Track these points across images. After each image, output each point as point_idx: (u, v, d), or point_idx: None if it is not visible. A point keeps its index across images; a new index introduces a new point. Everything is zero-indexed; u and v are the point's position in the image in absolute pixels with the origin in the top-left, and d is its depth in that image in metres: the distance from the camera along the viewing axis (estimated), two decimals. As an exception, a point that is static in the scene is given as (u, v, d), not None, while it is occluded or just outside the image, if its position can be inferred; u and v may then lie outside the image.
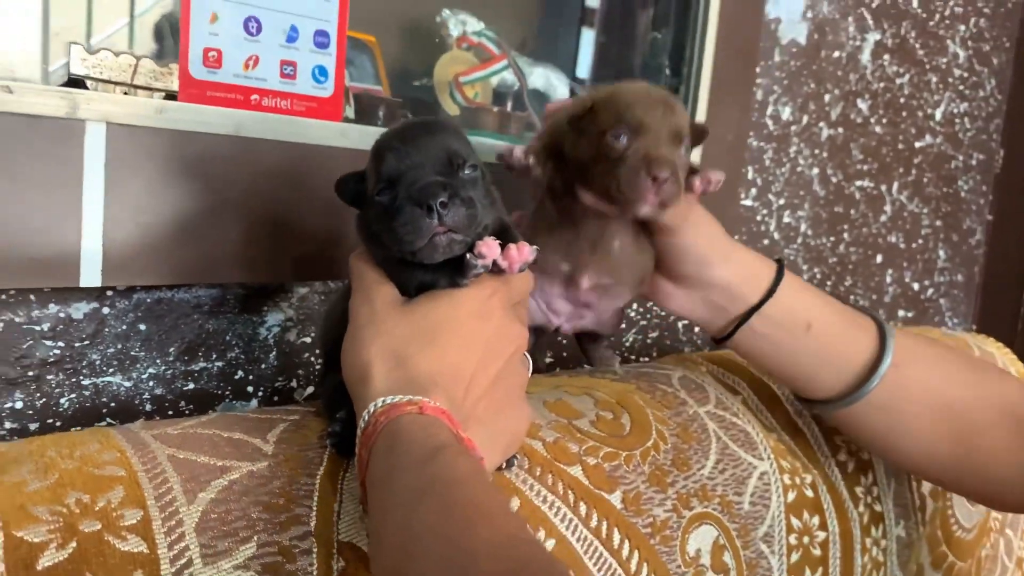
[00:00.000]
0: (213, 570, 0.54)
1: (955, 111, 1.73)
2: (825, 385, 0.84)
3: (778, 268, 0.82)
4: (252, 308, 0.86)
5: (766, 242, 1.40)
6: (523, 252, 0.62)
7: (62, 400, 0.77)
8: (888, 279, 1.69)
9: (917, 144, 1.66)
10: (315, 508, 0.59)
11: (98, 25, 0.78)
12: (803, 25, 1.36)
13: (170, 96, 0.76)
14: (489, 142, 1.01)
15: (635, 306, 1.24)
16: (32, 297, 0.74)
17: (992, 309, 1.89)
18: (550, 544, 0.67)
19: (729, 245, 0.82)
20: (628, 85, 0.75)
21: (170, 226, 0.75)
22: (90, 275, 0.72)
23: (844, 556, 0.91)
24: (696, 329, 1.35)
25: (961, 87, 1.73)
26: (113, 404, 0.79)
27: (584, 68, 1.22)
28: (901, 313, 1.75)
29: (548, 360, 1.13)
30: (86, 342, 0.77)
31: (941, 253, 1.80)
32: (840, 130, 1.48)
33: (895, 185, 1.64)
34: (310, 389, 0.91)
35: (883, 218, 1.63)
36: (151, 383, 0.81)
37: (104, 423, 0.79)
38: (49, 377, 0.76)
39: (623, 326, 1.22)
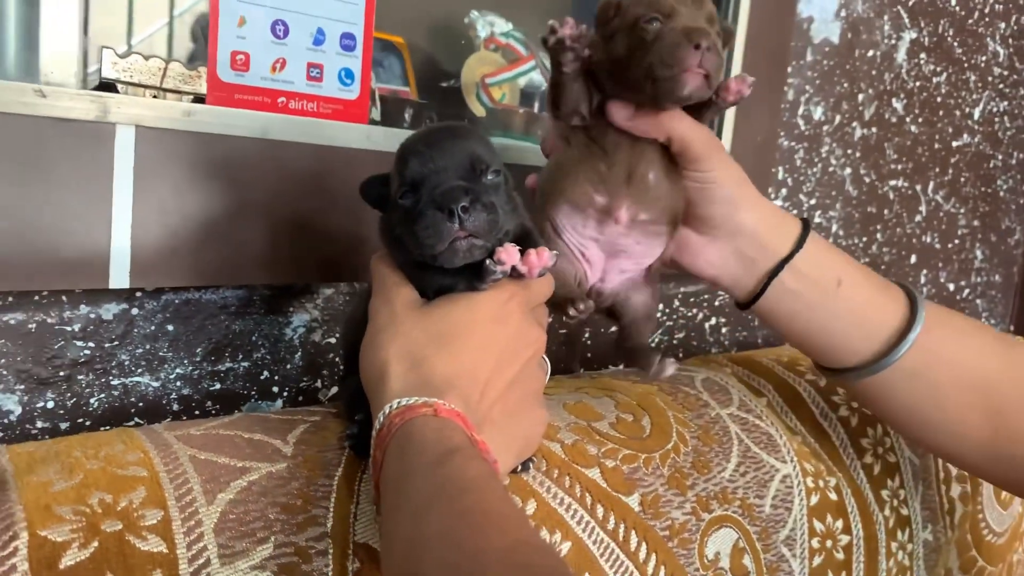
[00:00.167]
0: (230, 570, 0.55)
1: (994, 110, 1.71)
2: (855, 348, 0.81)
3: (804, 222, 0.80)
4: (278, 309, 0.87)
5: (797, 242, 1.39)
6: (543, 257, 0.62)
7: (92, 400, 0.78)
8: (923, 279, 1.67)
9: (954, 143, 1.64)
10: (332, 509, 0.60)
11: (130, 29, 0.79)
12: (836, 24, 1.35)
13: (198, 99, 0.77)
14: (514, 143, 1.01)
15: (661, 306, 1.24)
16: (64, 298, 0.75)
17: (1031, 310, 1.87)
18: (566, 546, 0.67)
19: (755, 192, 0.80)
20: None
21: (197, 228, 0.76)
22: (119, 277, 0.73)
23: (868, 560, 0.91)
24: (723, 329, 1.34)
25: (1001, 85, 1.71)
26: (141, 404, 0.81)
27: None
28: (936, 314, 1.72)
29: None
30: (116, 343, 0.79)
31: (978, 253, 1.77)
32: (874, 130, 1.47)
33: (931, 185, 1.62)
34: (334, 389, 0.92)
35: (918, 218, 1.61)
36: (178, 383, 0.82)
37: (132, 423, 0.80)
38: (80, 377, 0.77)
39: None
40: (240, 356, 0.85)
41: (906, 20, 1.46)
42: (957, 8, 1.55)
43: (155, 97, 0.75)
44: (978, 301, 1.82)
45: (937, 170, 1.62)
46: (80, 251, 0.71)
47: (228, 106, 0.77)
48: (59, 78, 0.70)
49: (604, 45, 0.73)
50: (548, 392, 0.68)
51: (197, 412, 0.84)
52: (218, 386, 0.85)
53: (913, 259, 1.63)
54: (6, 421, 0.74)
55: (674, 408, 0.85)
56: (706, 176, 0.76)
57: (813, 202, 1.40)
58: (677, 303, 1.26)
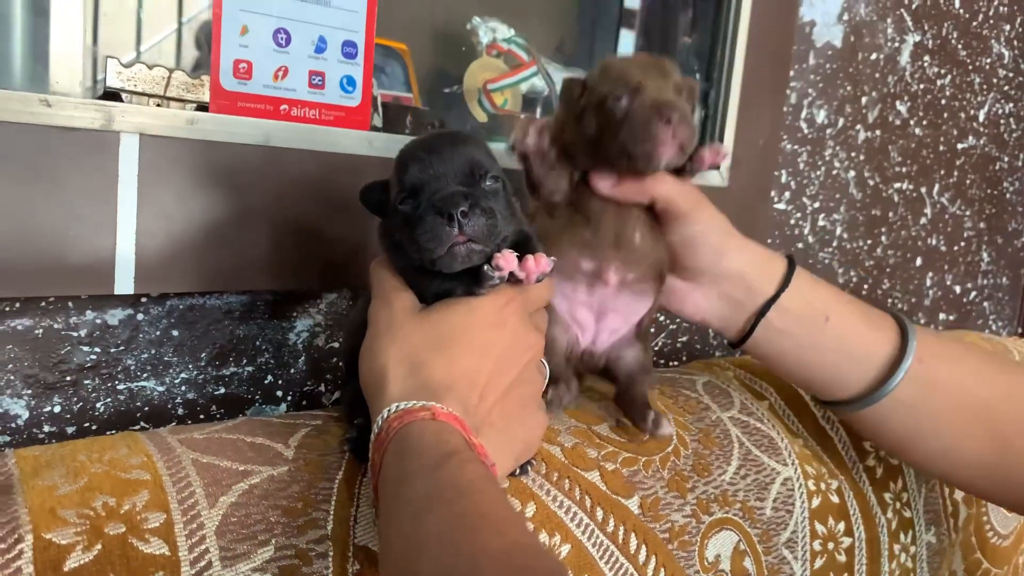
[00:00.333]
0: (231, 572, 0.56)
1: (1000, 112, 1.71)
2: (848, 382, 0.82)
3: (789, 261, 0.82)
4: (281, 314, 0.88)
5: (800, 245, 1.40)
6: (540, 263, 0.63)
7: (98, 404, 0.79)
8: (928, 282, 1.67)
9: (959, 146, 1.64)
10: (332, 512, 0.61)
11: (139, 38, 0.80)
12: (839, 28, 1.35)
13: (202, 107, 0.78)
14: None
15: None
16: (70, 304, 0.76)
17: (1037, 312, 1.86)
18: (566, 549, 0.68)
19: (739, 237, 0.81)
20: (615, 57, 0.74)
21: (201, 235, 0.77)
22: (124, 283, 0.74)
23: (870, 562, 0.91)
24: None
25: (1006, 87, 1.71)
26: (147, 408, 0.82)
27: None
28: (942, 316, 1.73)
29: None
30: (121, 348, 0.80)
31: (985, 255, 1.77)
32: (878, 132, 1.47)
33: (936, 187, 1.62)
34: (338, 393, 0.93)
35: (923, 220, 1.61)
36: (183, 388, 0.83)
37: (138, 427, 0.81)
38: (86, 382, 0.78)
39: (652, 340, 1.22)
40: (244, 361, 0.86)
41: (909, 23, 1.47)
42: (961, 11, 1.55)
43: (159, 106, 0.76)
44: (985, 304, 1.82)
45: (942, 172, 1.62)
46: (85, 257, 0.72)
47: (231, 114, 0.78)
48: (64, 87, 0.71)
49: (575, 124, 0.74)
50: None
51: (202, 416, 0.85)
52: (223, 391, 0.85)
53: (919, 262, 1.63)
54: (13, 426, 0.75)
55: (675, 411, 0.86)
56: (691, 230, 0.77)
57: (817, 205, 1.41)
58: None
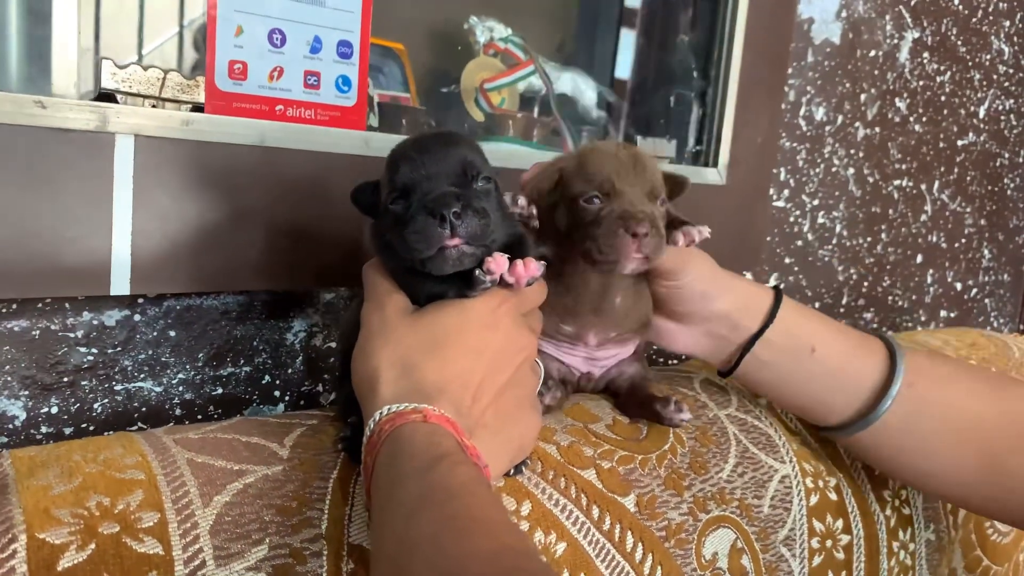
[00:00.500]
0: (225, 572, 0.56)
1: (1000, 108, 1.71)
2: (838, 409, 0.83)
3: (776, 295, 0.83)
4: (279, 314, 0.88)
5: (799, 243, 1.40)
6: (530, 268, 0.63)
7: (95, 405, 0.79)
8: (929, 279, 1.67)
9: (959, 142, 1.64)
10: (327, 511, 0.61)
11: (141, 40, 0.81)
12: (837, 25, 1.35)
13: (197, 108, 0.78)
14: (512, 147, 1.02)
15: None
16: (67, 305, 0.77)
17: (1039, 309, 1.86)
18: (561, 547, 0.68)
19: (728, 278, 0.82)
20: (594, 148, 0.74)
21: (197, 235, 0.77)
22: (120, 284, 0.74)
23: (869, 560, 0.91)
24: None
25: (1007, 83, 1.71)
26: (144, 409, 0.82)
27: (624, 69, 1.23)
28: (943, 313, 1.72)
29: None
30: (118, 348, 0.80)
31: (986, 252, 1.77)
32: (877, 129, 1.47)
33: (936, 184, 1.62)
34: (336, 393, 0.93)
35: (923, 217, 1.61)
36: (181, 388, 0.83)
37: (136, 428, 0.81)
38: (83, 383, 0.78)
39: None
40: (242, 361, 0.86)
41: (908, 20, 1.46)
42: (960, 7, 1.55)
43: (154, 107, 0.76)
44: (986, 301, 1.81)
45: (942, 169, 1.62)
46: (81, 259, 0.72)
47: (226, 114, 0.78)
48: (60, 89, 0.71)
49: (549, 212, 0.74)
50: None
51: (200, 417, 0.85)
52: (220, 391, 0.86)
53: (919, 259, 1.63)
54: (11, 427, 0.76)
55: (672, 409, 0.85)
56: (678, 284, 0.79)
57: (816, 203, 1.40)
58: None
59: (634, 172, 0.71)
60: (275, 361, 0.89)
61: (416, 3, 1.07)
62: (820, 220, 1.42)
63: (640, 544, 0.73)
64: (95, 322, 0.78)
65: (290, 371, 0.90)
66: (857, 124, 1.43)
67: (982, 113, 1.67)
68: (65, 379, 0.77)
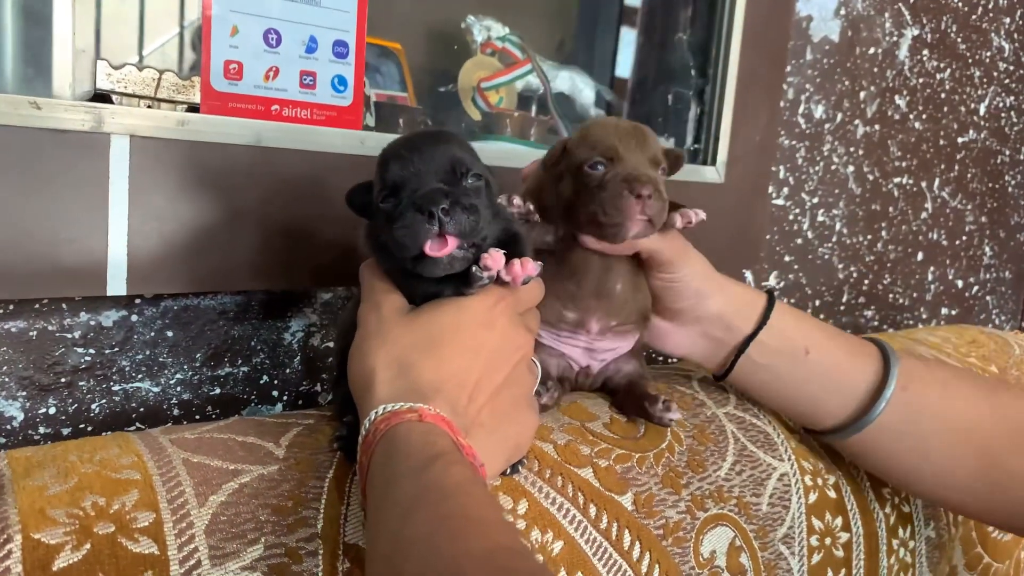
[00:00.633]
0: (221, 571, 0.56)
1: (1001, 105, 1.70)
2: (832, 412, 0.84)
3: (768, 297, 0.84)
4: (276, 314, 0.88)
5: (799, 241, 1.39)
6: (527, 267, 0.63)
7: (93, 406, 0.79)
8: (930, 276, 1.66)
9: (960, 139, 1.64)
10: (322, 511, 0.61)
11: (141, 41, 0.80)
12: (836, 22, 1.35)
13: (192, 108, 0.78)
14: (510, 146, 1.02)
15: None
16: (64, 306, 0.77)
17: (1041, 306, 1.86)
18: (558, 546, 0.68)
19: (722, 279, 0.83)
20: (596, 121, 0.77)
21: (193, 235, 0.77)
22: (116, 284, 0.74)
23: (869, 557, 0.91)
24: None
25: (1007, 80, 1.70)
26: (142, 409, 0.82)
27: (625, 67, 1.23)
28: (944, 311, 1.72)
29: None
30: (116, 349, 0.80)
31: (987, 250, 1.77)
32: (876, 127, 1.47)
33: (936, 181, 1.62)
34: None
35: (924, 215, 1.61)
36: (179, 388, 0.83)
37: (134, 428, 0.81)
38: (81, 383, 0.78)
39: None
40: (239, 361, 0.86)
41: (907, 17, 1.46)
42: (960, 4, 1.55)
43: (149, 107, 0.76)
44: (988, 298, 1.81)
45: (943, 166, 1.62)
46: (77, 259, 0.72)
47: (222, 115, 0.78)
48: (55, 90, 0.71)
49: (553, 185, 0.75)
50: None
51: (198, 417, 0.85)
52: (218, 391, 0.86)
53: (920, 256, 1.63)
54: (9, 427, 0.76)
55: (670, 408, 0.85)
56: (675, 277, 0.80)
57: (816, 200, 1.40)
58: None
59: (635, 140, 0.73)
60: (273, 361, 0.89)
61: (414, 3, 1.07)
62: (820, 218, 1.42)
63: (638, 542, 0.72)
64: (92, 323, 0.78)
65: (288, 371, 0.90)
66: (857, 122, 1.43)
67: (982, 110, 1.67)
68: (63, 380, 0.78)
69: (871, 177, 1.48)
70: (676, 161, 0.77)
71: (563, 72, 1.14)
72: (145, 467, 0.60)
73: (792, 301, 1.42)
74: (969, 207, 1.70)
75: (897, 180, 1.54)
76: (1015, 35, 1.68)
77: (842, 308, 1.51)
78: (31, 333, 0.75)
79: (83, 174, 0.71)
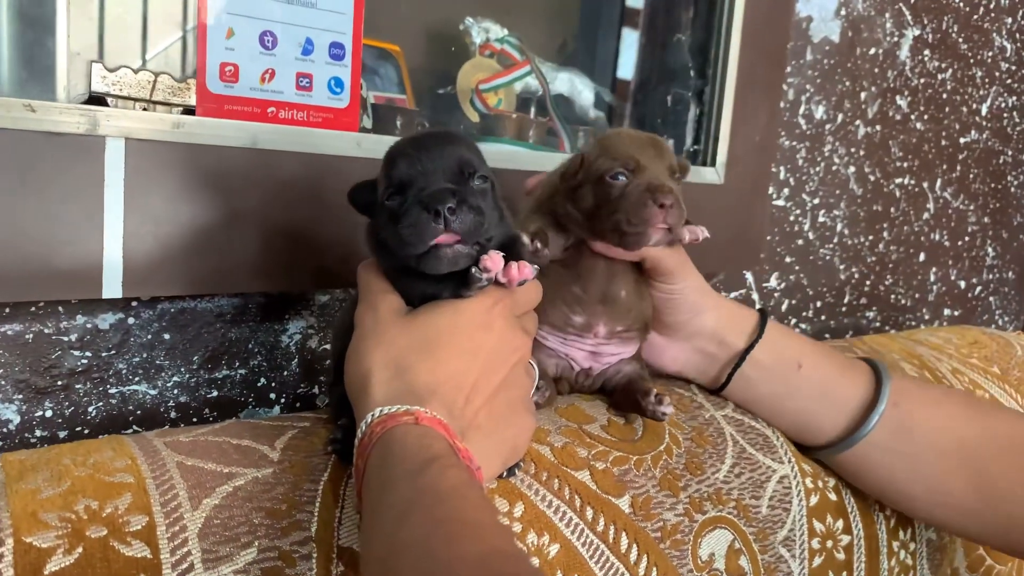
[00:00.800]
0: (213, 575, 0.55)
1: (1003, 105, 1.70)
2: (824, 427, 0.85)
3: (761, 315, 0.86)
4: (274, 316, 0.88)
5: (800, 242, 1.39)
6: (523, 270, 0.63)
7: (90, 409, 0.79)
8: (932, 277, 1.66)
9: (961, 140, 1.63)
10: (317, 514, 0.61)
11: (144, 45, 0.80)
12: (836, 23, 1.35)
13: (188, 111, 0.78)
14: (508, 148, 1.02)
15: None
16: (60, 309, 0.77)
17: (1044, 307, 1.85)
18: (555, 549, 0.68)
19: (715, 296, 0.86)
20: (613, 132, 0.79)
21: (189, 238, 0.77)
22: (112, 287, 0.74)
23: (870, 560, 0.90)
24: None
25: (1009, 80, 1.70)
26: (139, 412, 0.82)
27: (627, 69, 1.23)
28: (947, 312, 1.72)
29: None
30: (112, 352, 0.80)
31: (990, 250, 1.76)
32: (878, 128, 1.47)
33: (938, 182, 1.61)
34: (332, 395, 0.93)
35: (925, 216, 1.60)
36: (176, 391, 0.83)
37: (131, 431, 0.81)
38: (77, 386, 0.78)
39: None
40: (237, 363, 0.86)
41: (908, 17, 1.46)
42: (961, 4, 1.54)
43: (145, 110, 0.76)
44: (991, 299, 1.80)
45: (945, 167, 1.61)
46: (73, 262, 0.72)
47: (218, 117, 0.78)
48: (49, 93, 0.71)
49: (571, 196, 0.78)
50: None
51: (195, 419, 0.85)
52: (215, 393, 0.85)
53: (922, 257, 1.62)
54: (5, 431, 0.75)
55: (668, 409, 0.85)
56: (673, 288, 0.82)
57: (816, 201, 1.40)
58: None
59: (653, 150, 0.76)
60: (270, 363, 0.88)
61: (412, 5, 1.07)
62: (821, 219, 1.41)
63: (635, 545, 0.72)
64: (89, 325, 0.78)
65: (285, 373, 0.89)
66: (857, 122, 1.43)
67: (984, 110, 1.66)
68: (59, 383, 0.77)
69: (872, 178, 1.48)
70: (683, 170, 0.80)
71: (562, 74, 1.14)
72: (139, 470, 0.60)
73: (793, 302, 1.42)
74: (971, 208, 1.69)
75: (899, 181, 1.53)
76: (1017, 35, 1.68)
77: (844, 309, 1.51)
78: (27, 336, 0.75)
79: (78, 177, 0.71)
